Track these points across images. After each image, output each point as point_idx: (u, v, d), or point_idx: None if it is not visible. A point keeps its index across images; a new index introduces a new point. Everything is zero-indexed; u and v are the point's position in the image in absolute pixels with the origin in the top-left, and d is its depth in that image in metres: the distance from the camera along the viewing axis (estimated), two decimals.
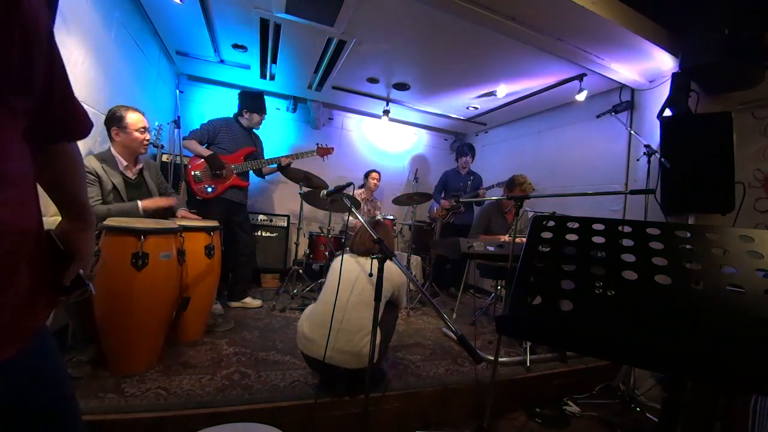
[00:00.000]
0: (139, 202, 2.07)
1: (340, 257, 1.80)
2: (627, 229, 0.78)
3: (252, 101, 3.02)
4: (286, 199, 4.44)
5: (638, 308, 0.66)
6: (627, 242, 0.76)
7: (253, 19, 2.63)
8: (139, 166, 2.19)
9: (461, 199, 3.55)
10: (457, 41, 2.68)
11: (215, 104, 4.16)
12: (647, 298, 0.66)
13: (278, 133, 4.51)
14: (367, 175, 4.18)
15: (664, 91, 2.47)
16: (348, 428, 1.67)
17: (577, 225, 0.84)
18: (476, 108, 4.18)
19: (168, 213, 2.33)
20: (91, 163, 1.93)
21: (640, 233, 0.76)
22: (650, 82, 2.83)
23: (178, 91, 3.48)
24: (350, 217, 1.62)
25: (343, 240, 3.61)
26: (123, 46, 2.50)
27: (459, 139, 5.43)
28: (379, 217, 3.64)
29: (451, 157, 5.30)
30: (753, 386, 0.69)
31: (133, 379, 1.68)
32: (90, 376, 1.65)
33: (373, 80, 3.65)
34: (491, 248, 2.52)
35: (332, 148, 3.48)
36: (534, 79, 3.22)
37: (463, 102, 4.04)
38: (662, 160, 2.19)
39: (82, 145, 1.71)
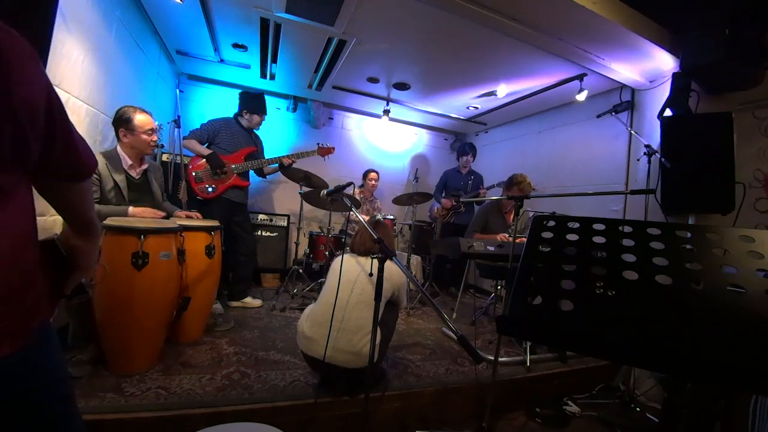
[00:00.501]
0: (129, 209, 2.03)
1: (341, 257, 1.80)
2: (627, 229, 0.78)
3: (252, 102, 3.02)
4: (286, 198, 4.44)
5: (639, 308, 0.66)
6: (627, 242, 0.76)
7: (253, 18, 2.63)
8: (144, 166, 2.19)
9: (462, 199, 3.55)
10: (458, 41, 2.67)
11: (215, 104, 4.16)
12: (648, 298, 0.66)
13: (278, 132, 4.50)
14: (365, 175, 4.17)
15: (665, 91, 2.47)
16: (348, 428, 1.67)
17: (577, 225, 0.84)
18: (476, 108, 4.18)
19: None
20: None
21: (641, 233, 0.76)
22: (650, 82, 2.83)
23: (178, 90, 3.48)
24: (350, 214, 1.63)
25: (343, 240, 3.61)
26: (123, 45, 2.49)
27: (459, 139, 5.43)
28: (379, 216, 3.65)
29: (451, 156, 5.30)
30: (753, 386, 0.69)
31: (133, 378, 1.68)
32: (90, 376, 1.65)
33: (373, 80, 3.65)
34: (491, 248, 2.52)
35: (333, 148, 3.48)
36: (534, 79, 3.22)
37: (463, 102, 4.04)
38: (662, 160, 2.19)
39: None
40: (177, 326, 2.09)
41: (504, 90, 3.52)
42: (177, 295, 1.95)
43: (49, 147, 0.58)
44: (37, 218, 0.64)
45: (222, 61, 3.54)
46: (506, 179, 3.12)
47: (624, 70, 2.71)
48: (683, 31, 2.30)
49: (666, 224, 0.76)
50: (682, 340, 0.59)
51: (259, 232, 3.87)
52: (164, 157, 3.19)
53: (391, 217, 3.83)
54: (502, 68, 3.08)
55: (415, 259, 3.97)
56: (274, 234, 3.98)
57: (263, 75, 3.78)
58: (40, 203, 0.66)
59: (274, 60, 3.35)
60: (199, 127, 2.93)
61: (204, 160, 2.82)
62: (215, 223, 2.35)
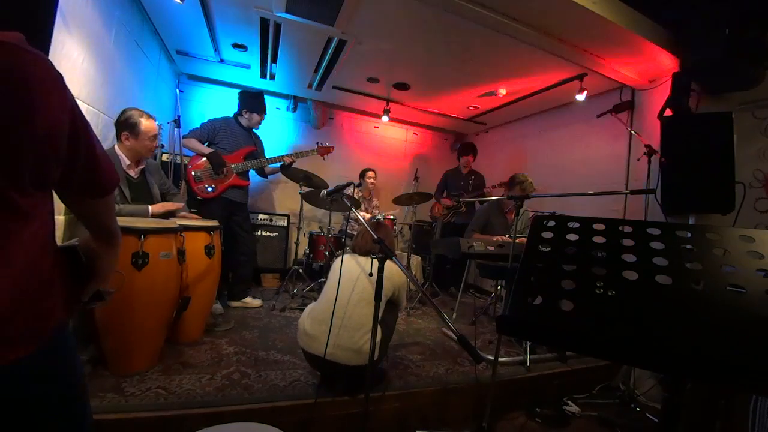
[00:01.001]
0: (150, 207, 2.09)
1: (341, 257, 1.81)
2: (627, 229, 0.78)
3: (252, 101, 3.02)
4: (286, 198, 4.44)
5: (639, 308, 0.66)
6: (627, 242, 0.76)
7: (253, 18, 2.63)
8: (141, 166, 2.20)
9: (462, 199, 3.55)
10: (458, 41, 2.67)
11: (215, 104, 4.16)
12: (648, 298, 0.66)
13: (278, 132, 4.50)
14: (363, 175, 4.16)
15: (665, 91, 2.47)
16: (348, 428, 1.67)
17: (577, 225, 0.83)
18: (476, 108, 4.18)
19: (169, 214, 2.33)
20: None
21: (641, 233, 0.76)
22: (650, 82, 2.83)
23: (178, 90, 3.48)
24: (351, 214, 1.63)
25: (343, 240, 3.61)
26: (123, 45, 2.49)
27: (459, 139, 5.43)
28: (378, 216, 3.65)
29: (451, 156, 5.30)
30: (753, 386, 0.69)
31: (133, 378, 1.68)
32: (90, 376, 1.65)
33: (373, 80, 3.65)
34: (491, 248, 2.52)
35: (332, 147, 3.48)
36: (534, 79, 3.22)
37: (463, 102, 4.04)
38: (662, 160, 2.19)
39: None
40: (177, 326, 2.09)
41: (504, 90, 3.51)
42: (177, 295, 1.95)
43: (70, 167, 0.59)
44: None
45: (222, 61, 3.54)
46: (507, 180, 3.12)
47: (624, 70, 2.71)
48: (683, 31, 2.30)
49: (666, 224, 0.76)
50: (682, 340, 0.59)
51: (259, 232, 3.87)
52: (164, 157, 3.19)
53: (392, 216, 3.83)
54: (502, 68, 3.08)
55: (415, 259, 3.97)
56: (274, 234, 3.98)
57: (263, 75, 3.78)
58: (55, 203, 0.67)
59: (274, 60, 3.35)
60: (199, 126, 2.93)
61: (204, 159, 2.82)
62: (215, 223, 2.35)
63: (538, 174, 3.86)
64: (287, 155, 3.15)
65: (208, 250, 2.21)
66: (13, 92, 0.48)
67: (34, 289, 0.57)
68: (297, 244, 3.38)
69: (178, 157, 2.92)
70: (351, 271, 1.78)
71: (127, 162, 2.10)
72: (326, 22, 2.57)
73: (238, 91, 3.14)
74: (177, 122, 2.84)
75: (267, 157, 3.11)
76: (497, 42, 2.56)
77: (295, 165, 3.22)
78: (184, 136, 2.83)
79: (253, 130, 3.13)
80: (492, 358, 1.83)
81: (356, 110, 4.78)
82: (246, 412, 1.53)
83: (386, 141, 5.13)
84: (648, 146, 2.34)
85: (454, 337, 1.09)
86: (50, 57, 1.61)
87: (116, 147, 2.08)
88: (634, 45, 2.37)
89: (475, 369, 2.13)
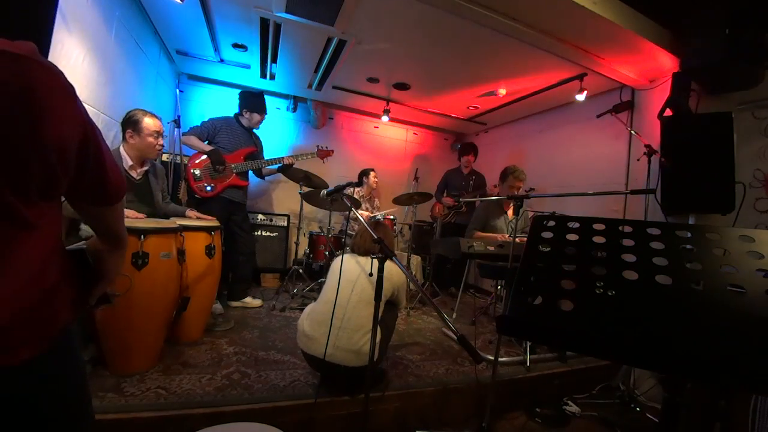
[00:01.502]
0: (188, 211, 2.35)
1: (341, 257, 1.81)
2: (627, 229, 0.78)
3: (253, 101, 3.02)
4: (286, 198, 4.43)
5: (639, 308, 0.66)
6: (627, 242, 0.76)
7: (253, 18, 2.63)
8: (145, 167, 2.20)
9: (462, 199, 3.55)
10: (458, 41, 2.67)
11: (215, 104, 4.16)
12: (648, 298, 0.66)
13: (278, 132, 4.50)
14: (367, 174, 4.15)
15: (665, 91, 2.47)
16: (348, 428, 1.67)
17: (577, 225, 0.83)
18: (476, 108, 4.18)
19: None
20: None
21: (641, 233, 0.76)
22: (650, 82, 2.83)
23: (178, 90, 3.49)
24: (350, 214, 1.63)
25: (343, 240, 3.61)
26: (123, 45, 2.49)
27: (459, 138, 5.43)
28: (379, 216, 3.64)
29: (451, 156, 5.30)
30: (753, 386, 0.69)
31: (133, 378, 1.68)
32: (90, 376, 1.65)
33: (373, 80, 3.65)
34: (491, 248, 2.52)
35: (332, 151, 3.48)
36: (534, 79, 3.21)
37: (463, 102, 4.04)
38: (662, 160, 2.19)
39: None
40: (177, 326, 2.09)
41: (504, 90, 3.51)
42: (177, 295, 1.95)
43: (78, 178, 0.59)
44: None
45: (222, 61, 3.54)
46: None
47: (624, 70, 2.71)
48: (683, 31, 2.30)
49: (666, 224, 0.76)
50: (682, 340, 0.59)
51: (259, 232, 3.87)
52: (164, 157, 3.19)
53: (392, 216, 3.82)
54: (502, 68, 3.08)
55: (415, 259, 3.97)
56: (274, 234, 3.98)
57: (263, 75, 3.78)
58: None
59: (274, 60, 3.35)
60: (199, 124, 2.93)
61: (203, 158, 2.82)
62: (215, 223, 2.35)
63: (538, 174, 3.87)
64: (287, 157, 3.15)
65: (209, 250, 2.21)
66: (23, 105, 0.48)
67: (38, 298, 0.57)
68: (297, 244, 3.38)
69: (178, 157, 2.92)
70: (350, 271, 1.78)
71: (130, 162, 2.10)
72: (326, 22, 2.57)
73: (239, 91, 3.14)
74: (177, 122, 2.84)
75: (266, 158, 3.11)
76: (497, 42, 2.56)
77: (295, 165, 3.22)
78: (183, 134, 2.83)
79: (254, 130, 3.13)
80: (492, 358, 1.83)
81: (356, 110, 4.78)
82: (246, 412, 1.53)
83: (386, 141, 5.13)
84: (648, 146, 2.34)
85: (454, 337, 1.09)
86: (50, 57, 1.62)
87: (121, 147, 2.09)
88: (634, 45, 2.37)
89: (475, 369, 2.13)
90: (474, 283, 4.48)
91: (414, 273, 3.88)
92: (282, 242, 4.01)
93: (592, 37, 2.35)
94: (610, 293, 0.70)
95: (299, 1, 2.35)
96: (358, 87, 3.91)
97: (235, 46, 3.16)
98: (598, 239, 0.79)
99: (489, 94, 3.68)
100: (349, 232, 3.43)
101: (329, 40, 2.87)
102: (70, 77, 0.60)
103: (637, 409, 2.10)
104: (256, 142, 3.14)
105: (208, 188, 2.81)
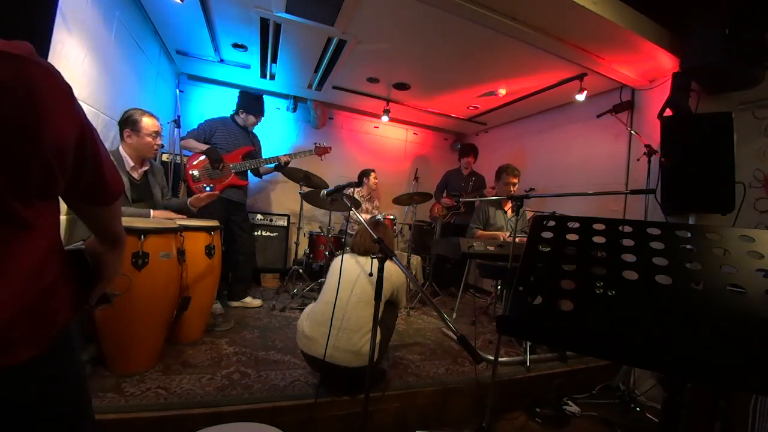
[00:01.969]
0: (152, 212, 2.10)
1: (340, 257, 1.81)
2: (627, 229, 0.78)
3: (250, 102, 3.02)
4: (286, 198, 4.43)
5: (639, 308, 0.66)
6: (627, 242, 0.76)
7: (253, 18, 2.63)
8: (145, 167, 2.20)
9: (462, 199, 3.55)
10: (458, 41, 2.67)
11: (215, 104, 4.16)
12: (648, 298, 0.66)
13: (278, 132, 4.50)
14: (367, 175, 4.15)
15: (665, 91, 2.47)
16: (348, 428, 1.67)
17: (577, 225, 0.83)
18: (476, 108, 4.18)
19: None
20: None
21: (641, 233, 0.76)
22: (650, 82, 2.83)
23: (178, 90, 3.48)
24: (350, 214, 1.63)
25: (343, 240, 3.61)
26: (123, 45, 2.49)
27: (459, 139, 5.42)
28: (379, 216, 3.64)
29: (451, 156, 5.30)
30: (753, 386, 0.69)
31: (133, 378, 1.68)
32: (90, 376, 1.65)
33: (373, 80, 3.65)
34: (491, 248, 2.52)
35: (329, 148, 3.47)
36: (534, 79, 3.21)
37: (463, 102, 4.04)
38: (662, 160, 2.19)
39: None
40: (177, 326, 2.09)
41: (504, 90, 3.51)
42: (177, 295, 1.95)
43: (76, 178, 0.59)
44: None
45: (222, 61, 3.54)
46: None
47: (624, 70, 2.71)
48: (683, 31, 2.30)
49: (666, 224, 0.76)
50: (682, 340, 0.59)
51: (258, 232, 3.87)
52: (164, 157, 3.19)
53: (392, 216, 3.82)
54: (502, 68, 3.08)
55: (415, 259, 3.97)
56: (274, 234, 3.97)
57: (263, 75, 3.78)
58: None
59: (274, 60, 3.35)
60: (196, 126, 2.93)
61: (202, 158, 2.81)
62: (215, 223, 2.35)
63: (538, 174, 3.87)
64: (283, 155, 3.15)
65: (209, 250, 2.21)
66: (20, 106, 0.48)
67: (37, 298, 0.57)
68: (297, 244, 3.38)
69: (178, 158, 2.92)
70: (350, 271, 1.78)
71: (131, 163, 2.10)
72: (326, 22, 2.57)
73: (238, 91, 3.14)
74: (177, 122, 2.84)
75: (264, 157, 3.11)
76: (497, 42, 2.56)
77: (294, 165, 3.22)
78: (182, 138, 2.83)
79: (251, 129, 3.12)
80: (492, 358, 1.83)
81: (356, 110, 4.78)
82: (246, 412, 1.53)
83: (386, 141, 5.13)
84: (648, 146, 2.34)
85: (454, 337, 1.09)
86: (50, 57, 1.61)
87: (120, 148, 2.09)
88: (634, 45, 2.37)
89: (475, 369, 2.13)
90: (474, 283, 4.47)
91: (414, 273, 3.88)
92: (282, 242, 4.01)
93: (592, 37, 2.35)
94: (610, 293, 0.70)
95: (299, 1, 2.35)
96: (358, 87, 3.90)
97: (235, 46, 3.16)
98: (598, 239, 0.79)
99: (489, 94, 3.68)
100: (349, 232, 3.43)
101: (329, 40, 2.87)
102: (70, 77, 0.60)
103: (637, 409, 2.10)
104: (254, 141, 3.13)
105: (208, 189, 2.81)
